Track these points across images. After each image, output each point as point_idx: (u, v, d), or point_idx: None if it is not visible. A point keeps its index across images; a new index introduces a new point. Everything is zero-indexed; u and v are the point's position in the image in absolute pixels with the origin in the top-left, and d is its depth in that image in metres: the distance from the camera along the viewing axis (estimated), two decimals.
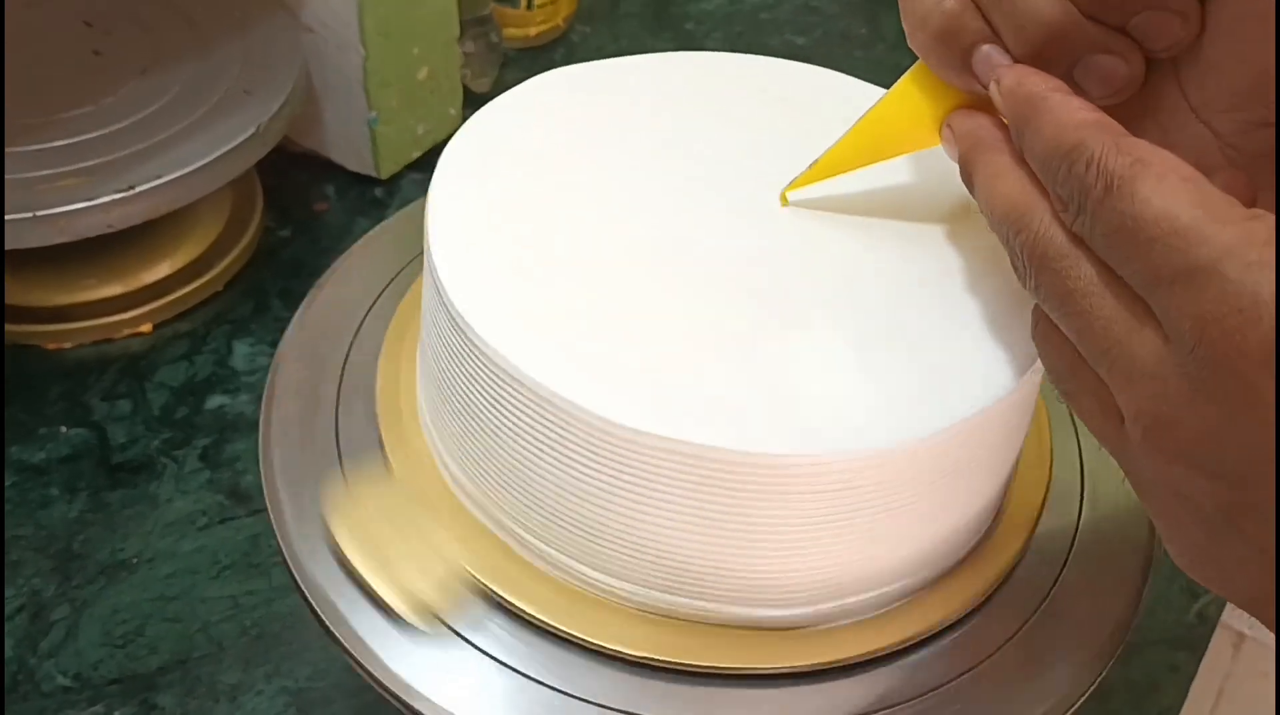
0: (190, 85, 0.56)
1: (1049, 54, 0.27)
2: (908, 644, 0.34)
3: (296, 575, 0.35)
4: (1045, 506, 0.37)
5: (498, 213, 0.35)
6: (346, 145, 0.65)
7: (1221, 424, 0.23)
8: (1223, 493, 0.23)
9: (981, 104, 0.30)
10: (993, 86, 0.28)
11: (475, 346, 0.31)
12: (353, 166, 0.66)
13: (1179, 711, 0.50)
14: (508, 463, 0.33)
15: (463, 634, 0.33)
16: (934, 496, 0.32)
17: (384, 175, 0.65)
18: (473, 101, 0.70)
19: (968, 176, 0.29)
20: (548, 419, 0.31)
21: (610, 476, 0.31)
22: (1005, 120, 0.28)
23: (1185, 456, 0.24)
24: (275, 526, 0.36)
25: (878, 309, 0.33)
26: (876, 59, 0.80)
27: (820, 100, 0.39)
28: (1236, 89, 0.26)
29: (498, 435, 0.32)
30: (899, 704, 0.33)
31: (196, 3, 0.61)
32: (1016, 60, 0.28)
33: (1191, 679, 0.51)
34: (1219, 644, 0.53)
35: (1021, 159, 0.27)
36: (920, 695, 0.33)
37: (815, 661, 0.33)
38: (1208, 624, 0.53)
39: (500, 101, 0.38)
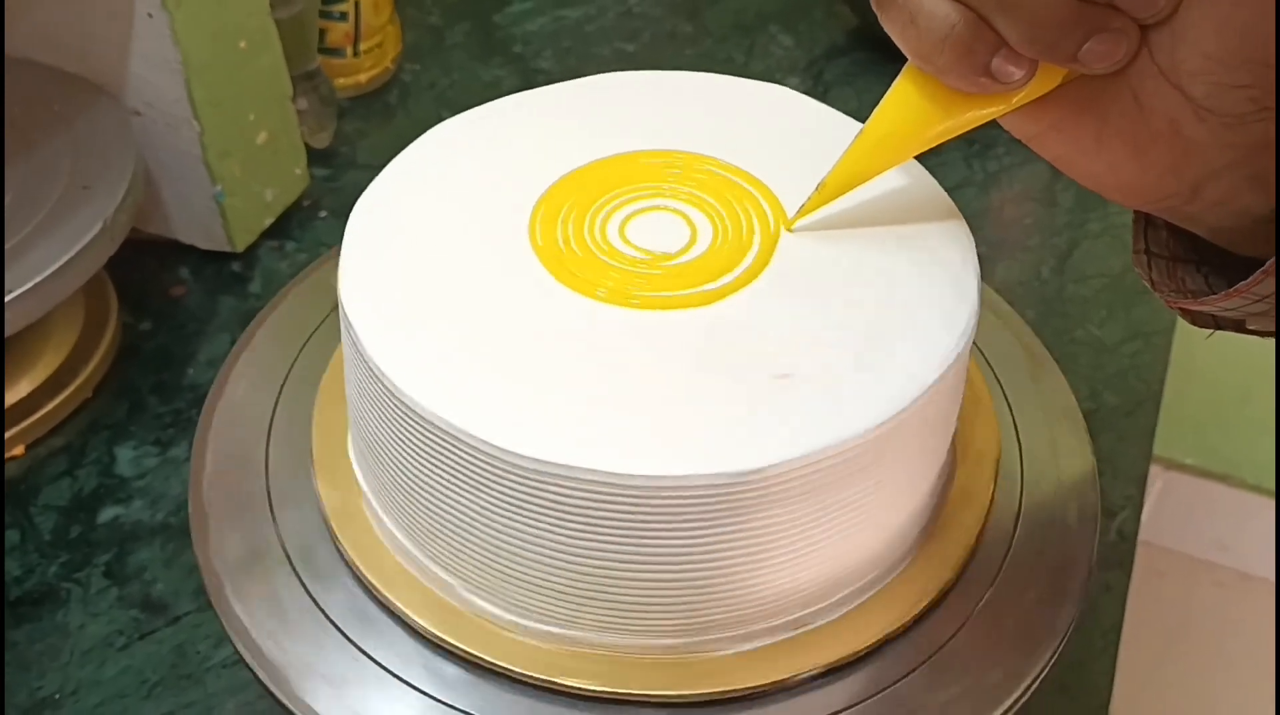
0: (23, 189, 0.53)
1: (1059, 46, 0.28)
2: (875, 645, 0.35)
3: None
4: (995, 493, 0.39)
5: (408, 258, 0.35)
6: (194, 224, 0.63)
7: None
8: None
9: (991, 99, 0.30)
10: None
11: (390, 390, 0.32)
12: (204, 244, 0.63)
13: (1121, 630, 0.51)
14: (431, 506, 0.33)
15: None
16: (863, 501, 0.33)
17: (239, 248, 0.63)
18: (316, 159, 0.68)
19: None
20: (472, 462, 0.31)
21: (527, 510, 0.31)
22: None
23: None
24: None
25: (785, 333, 0.33)
26: (706, 54, 0.81)
27: (730, 112, 0.40)
28: (1209, 53, 0.27)
29: (418, 479, 0.33)
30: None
31: (10, 102, 0.57)
32: (1029, 58, 0.29)
33: (1125, 596, 0.53)
34: (1143, 560, 0.55)
35: None
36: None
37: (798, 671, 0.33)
38: (1128, 540, 0.55)
39: (406, 155, 0.38)
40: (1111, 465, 0.57)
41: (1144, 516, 0.57)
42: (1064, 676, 0.49)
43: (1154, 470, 0.62)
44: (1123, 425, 0.59)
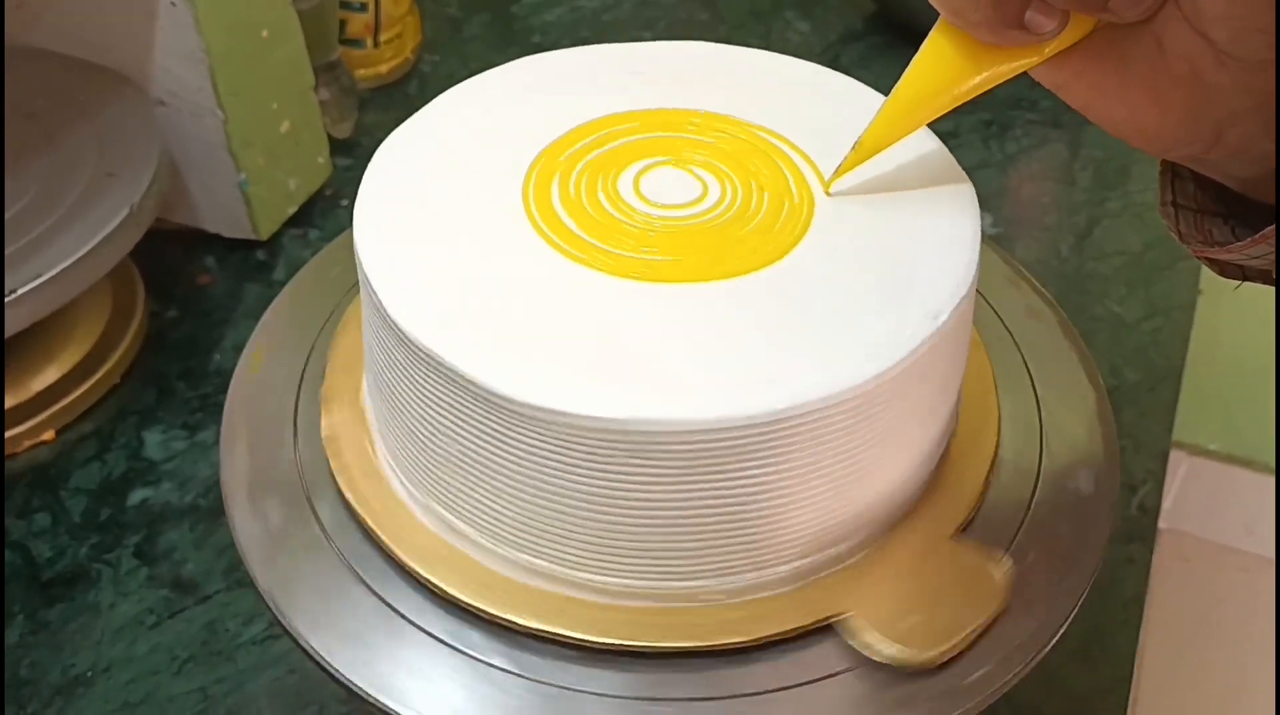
0: (49, 178, 0.54)
1: None
2: None
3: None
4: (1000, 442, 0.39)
5: (423, 212, 0.36)
6: (219, 212, 0.63)
7: None
8: None
9: (1022, 51, 0.31)
10: None
11: (408, 341, 0.32)
12: (229, 233, 0.64)
13: (1143, 602, 0.51)
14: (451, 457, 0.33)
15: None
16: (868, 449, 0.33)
17: (264, 236, 0.64)
18: (338, 148, 0.69)
19: None
20: (485, 409, 0.31)
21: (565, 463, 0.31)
22: None
23: None
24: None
25: (792, 281, 0.33)
26: (722, 40, 0.80)
27: (750, 79, 0.40)
28: None
29: (435, 426, 0.33)
30: None
31: (34, 94, 0.58)
32: (1061, 9, 0.29)
33: (1148, 568, 0.53)
34: (1167, 545, 0.55)
35: None
36: None
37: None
38: (1150, 514, 0.55)
39: (421, 116, 0.40)
40: (1133, 440, 0.57)
41: (1168, 502, 0.57)
42: (1086, 645, 0.49)
43: (1177, 456, 0.62)
44: (1144, 401, 0.59)
